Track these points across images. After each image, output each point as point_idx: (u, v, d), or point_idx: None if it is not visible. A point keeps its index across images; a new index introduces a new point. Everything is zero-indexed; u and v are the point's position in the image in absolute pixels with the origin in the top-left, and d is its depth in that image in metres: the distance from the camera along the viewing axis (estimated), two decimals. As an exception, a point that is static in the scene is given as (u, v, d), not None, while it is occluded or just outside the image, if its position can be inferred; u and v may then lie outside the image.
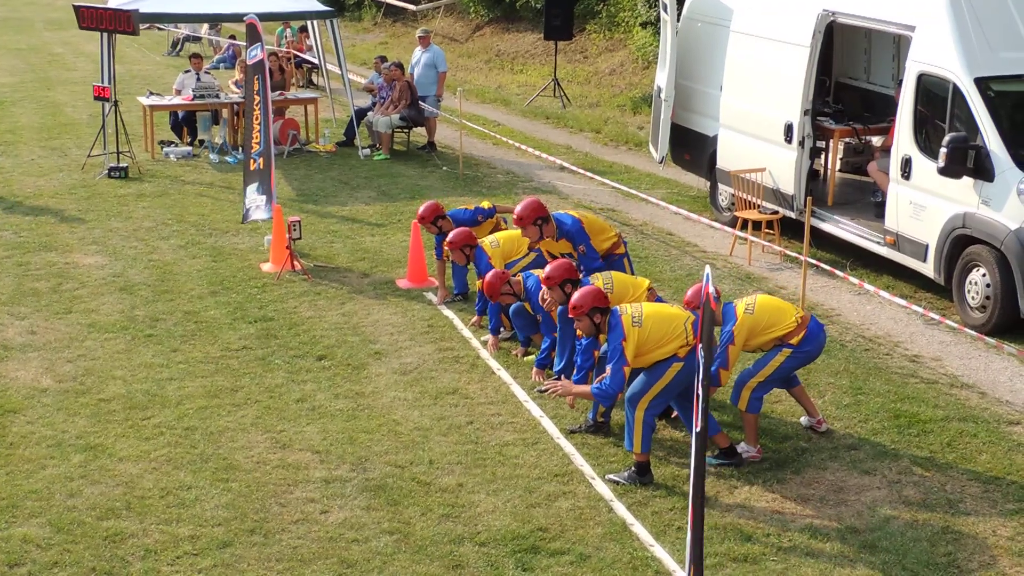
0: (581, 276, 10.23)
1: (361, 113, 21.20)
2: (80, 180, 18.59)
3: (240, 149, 20.25)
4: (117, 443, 9.78)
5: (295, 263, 13.97)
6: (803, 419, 10.14)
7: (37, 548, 8.26)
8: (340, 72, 21.51)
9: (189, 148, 20.79)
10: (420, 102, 20.71)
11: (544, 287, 10.23)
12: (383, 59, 22.83)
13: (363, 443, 9.78)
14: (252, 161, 15.22)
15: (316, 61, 25.38)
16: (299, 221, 14.12)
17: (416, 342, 11.95)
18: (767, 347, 9.60)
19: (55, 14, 42.66)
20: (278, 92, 20.89)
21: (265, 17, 17.80)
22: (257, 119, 15.22)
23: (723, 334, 9.50)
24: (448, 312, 12.79)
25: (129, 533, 8.45)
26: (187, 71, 21.73)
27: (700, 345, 6.78)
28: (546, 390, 9.65)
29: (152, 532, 8.47)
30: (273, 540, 8.37)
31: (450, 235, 12.28)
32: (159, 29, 35.04)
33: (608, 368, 9.10)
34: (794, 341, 9.51)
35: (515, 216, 11.21)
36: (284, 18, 26.85)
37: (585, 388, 9.32)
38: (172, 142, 21.14)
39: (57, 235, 15.62)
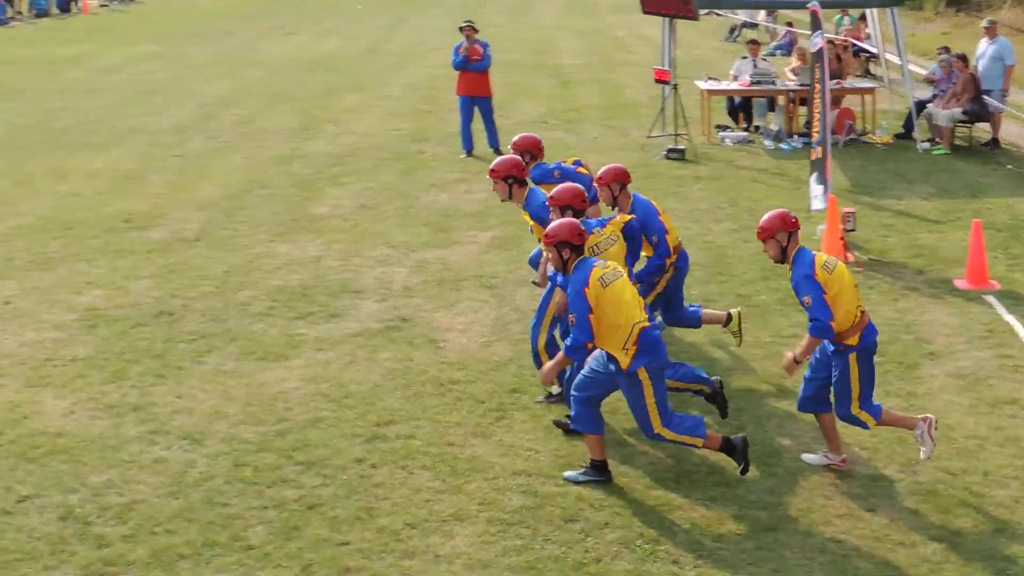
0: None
1: (921, 105, 20.56)
2: (639, 159, 19.24)
3: (795, 137, 20.26)
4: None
5: (848, 254, 13.79)
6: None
7: (591, 507, 8.65)
8: (899, 62, 20.99)
9: (744, 133, 21.02)
10: (984, 96, 19.81)
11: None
12: (945, 49, 22.03)
13: (914, 445, 9.50)
14: (812, 150, 15.17)
15: (874, 50, 24.92)
16: (853, 212, 13.93)
17: (973, 346, 11.46)
18: None
19: (619, -2, 44.35)
20: (835, 81, 20.62)
21: (826, 4, 17.67)
22: (816, 107, 15.15)
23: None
24: (1010, 318, 12.17)
25: (676, 505, 8.69)
26: (744, 57, 21.99)
27: None
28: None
29: (698, 506, 8.66)
30: (817, 531, 8.32)
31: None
32: (717, 15, 35.67)
33: (571, 318, 8.68)
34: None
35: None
36: (845, 5, 26.55)
37: (558, 357, 8.94)
38: (728, 127, 21.45)
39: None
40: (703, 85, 21.48)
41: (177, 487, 8.98)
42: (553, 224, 9.07)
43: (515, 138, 11.72)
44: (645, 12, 20.28)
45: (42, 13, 45.48)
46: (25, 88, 28.05)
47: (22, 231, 15.75)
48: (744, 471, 8.89)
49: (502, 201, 10.73)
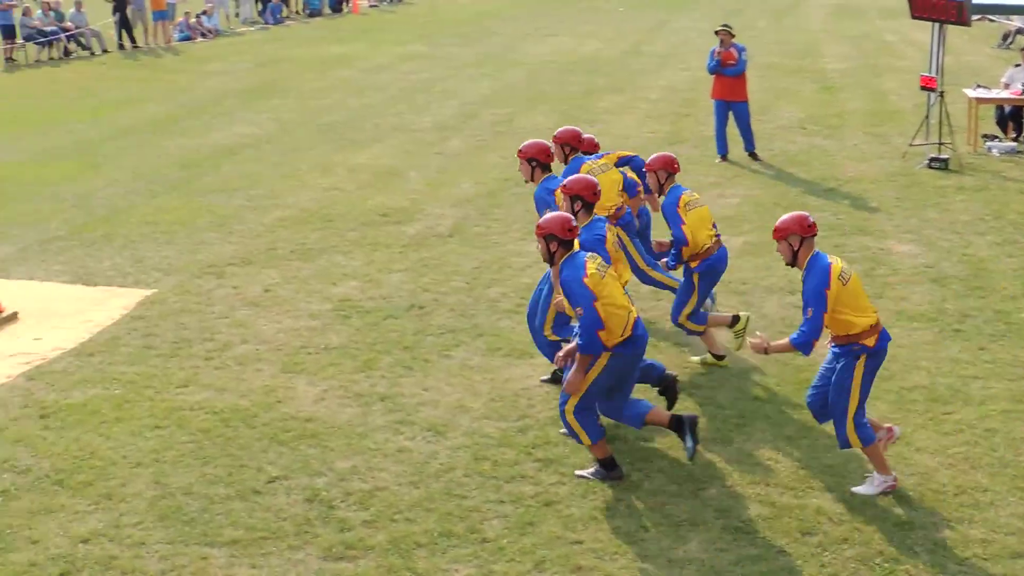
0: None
1: None
2: (900, 168, 18.70)
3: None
4: (916, 433, 9.76)
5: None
6: None
7: (829, 521, 8.48)
8: None
9: (1014, 144, 20.17)
10: None
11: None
12: None
13: None
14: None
15: None
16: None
17: None
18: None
19: (889, 2, 43.10)
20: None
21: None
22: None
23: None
24: None
25: (919, 524, 8.42)
26: (1017, 65, 21.17)
27: None
28: None
29: (941, 527, 8.37)
30: (1067, 562, 7.95)
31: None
32: (990, 21, 34.37)
33: (578, 311, 8.60)
34: None
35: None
36: None
37: (578, 361, 8.76)
38: (996, 136, 20.64)
39: (873, 220, 15.85)
40: (972, 93, 20.74)
41: (419, 477, 9.20)
42: (546, 216, 9.15)
43: (557, 131, 11.79)
44: (914, 17, 19.70)
45: (315, 13, 47.21)
46: (296, 86, 29.17)
47: (285, 222, 16.40)
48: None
49: (525, 183, 11.10)
